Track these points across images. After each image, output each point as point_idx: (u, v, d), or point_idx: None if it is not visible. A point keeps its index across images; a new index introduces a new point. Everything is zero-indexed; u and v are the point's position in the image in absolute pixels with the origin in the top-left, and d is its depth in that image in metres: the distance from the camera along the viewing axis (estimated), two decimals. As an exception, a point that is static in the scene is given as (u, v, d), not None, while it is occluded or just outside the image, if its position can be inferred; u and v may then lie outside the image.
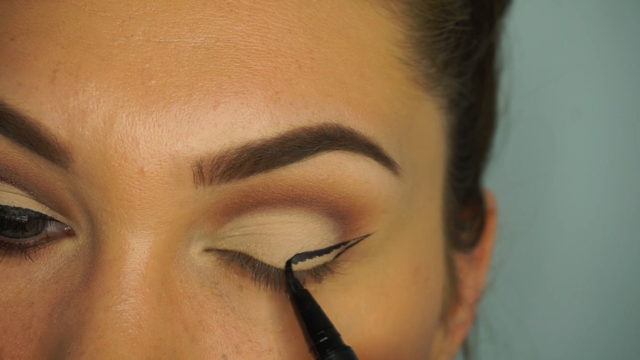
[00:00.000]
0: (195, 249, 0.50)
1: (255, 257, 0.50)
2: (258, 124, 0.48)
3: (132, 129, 0.47)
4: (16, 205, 0.50)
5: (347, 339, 0.51)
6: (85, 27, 0.48)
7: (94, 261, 0.48)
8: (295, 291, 0.49)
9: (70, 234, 0.50)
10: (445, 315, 0.62)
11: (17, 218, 0.50)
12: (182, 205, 0.48)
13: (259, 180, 0.48)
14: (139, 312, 0.47)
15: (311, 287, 0.51)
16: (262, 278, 0.50)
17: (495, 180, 0.72)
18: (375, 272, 0.53)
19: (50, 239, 0.50)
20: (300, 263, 0.50)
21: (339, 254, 0.51)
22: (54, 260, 0.50)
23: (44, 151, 0.48)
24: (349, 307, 0.51)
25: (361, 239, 0.51)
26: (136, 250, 0.48)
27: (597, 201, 0.87)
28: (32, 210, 0.50)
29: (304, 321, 0.49)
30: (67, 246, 0.50)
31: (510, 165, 0.78)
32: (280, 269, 0.50)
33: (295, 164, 0.49)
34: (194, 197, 0.48)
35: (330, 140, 0.49)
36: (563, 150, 0.86)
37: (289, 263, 0.50)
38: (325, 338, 0.48)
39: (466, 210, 0.65)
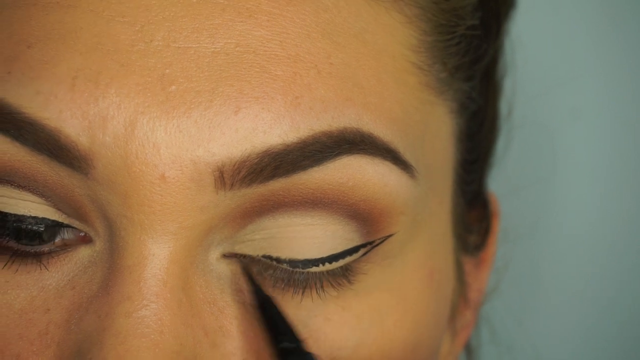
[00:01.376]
0: (214, 254, 0.50)
1: (277, 264, 0.50)
2: (279, 129, 0.48)
3: (153, 134, 0.47)
4: (33, 215, 0.49)
5: (367, 340, 0.51)
6: (104, 33, 0.48)
7: (113, 267, 0.48)
8: (258, 296, 0.49)
9: (86, 240, 0.50)
10: (454, 318, 0.63)
11: (34, 227, 0.49)
12: (202, 210, 0.48)
13: (279, 185, 0.49)
14: (161, 318, 0.47)
15: (336, 290, 0.51)
16: (282, 285, 0.50)
17: (498, 184, 0.72)
18: (394, 275, 0.53)
19: (66, 246, 0.50)
20: (334, 263, 0.50)
21: (365, 253, 0.51)
22: (68, 268, 0.50)
23: (64, 159, 0.47)
24: (370, 310, 0.52)
25: (386, 238, 0.51)
26: (156, 256, 0.48)
27: (599, 204, 0.87)
28: (48, 219, 0.49)
29: (266, 326, 0.49)
30: (82, 253, 0.50)
31: (512, 169, 0.78)
32: (302, 271, 0.50)
33: (315, 168, 0.49)
34: (215, 202, 0.48)
35: (350, 145, 0.49)
36: (565, 154, 0.86)
37: (247, 270, 0.50)
38: (287, 343, 0.49)
39: (473, 214, 0.65)
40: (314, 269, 0.50)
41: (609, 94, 0.86)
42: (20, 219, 0.49)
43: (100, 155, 0.47)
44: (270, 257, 0.50)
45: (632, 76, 0.85)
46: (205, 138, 0.47)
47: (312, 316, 0.51)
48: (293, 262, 0.50)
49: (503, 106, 0.70)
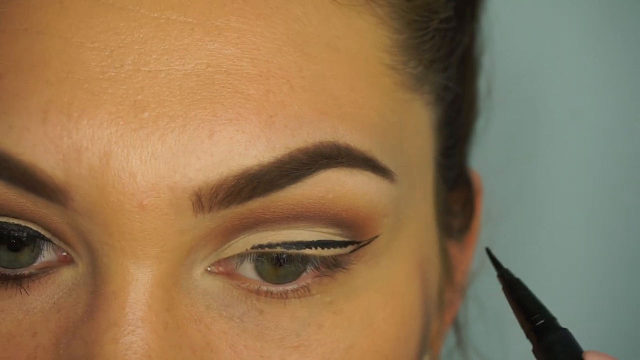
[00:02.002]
0: (198, 270, 0.50)
1: (269, 250, 0.50)
2: (254, 150, 0.48)
3: (129, 164, 0.47)
4: (15, 223, 0.49)
5: (359, 340, 0.52)
6: (74, 61, 0.47)
7: (97, 292, 0.48)
8: (508, 278, 0.53)
9: (67, 260, 0.50)
10: (443, 301, 0.63)
11: (17, 234, 0.49)
12: (182, 233, 0.48)
13: (257, 204, 0.48)
14: (147, 342, 0.47)
15: (325, 280, 0.51)
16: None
17: (481, 163, 0.72)
18: (381, 274, 0.53)
19: (47, 268, 0.50)
20: (319, 249, 0.50)
21: (354, 250, 0.51)
22: (52, 290, 0.50)
23: (41, 192, 0.47)
24: (360, 310, 0.52)
25: (372, 240, 0.52)
26: (140, 281, 0.48)
27: (584, 180, 0.87)
28: (30, 228, 0.49)
29: (518, 307, 0.52)
30: (65, 275, 0.50)
31: (496, 147, 0.78)
32: (298, 252, 0.50)
33: (293, 186, 0.49)
34: (194, 225, 0.48)
35: (328, 159, 0.49)
36: (548, 132, 0.86)
37: (489, 250, 0.54)
38: (542, 321, 0.51)
39: (455, 194, 0.66)
40: (308, 251, 0.50)
41: (593, 71, 0.85)
42: (2, 225, 0.49)
43: (77, 187, 0.47)
44: (261, 246, 0.50)
45: (615, 51, 0.85)
46: (180, 164, 0.47)
47: (305, 325, 0.51)
48: (287, 245, 0.50)
49: (482, 83, 0.69)
